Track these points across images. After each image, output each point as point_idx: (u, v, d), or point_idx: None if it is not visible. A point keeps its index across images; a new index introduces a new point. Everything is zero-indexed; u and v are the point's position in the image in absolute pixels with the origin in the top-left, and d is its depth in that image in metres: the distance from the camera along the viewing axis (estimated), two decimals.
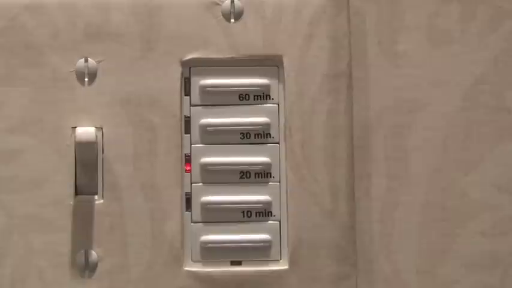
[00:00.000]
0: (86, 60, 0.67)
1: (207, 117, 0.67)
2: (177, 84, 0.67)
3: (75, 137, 0.65)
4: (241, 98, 0.68)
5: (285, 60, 0.67)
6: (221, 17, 0.68)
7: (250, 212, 0.67)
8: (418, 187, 0.68)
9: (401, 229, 0.67)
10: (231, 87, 0.67)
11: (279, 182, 0.67)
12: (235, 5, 0.67)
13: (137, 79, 0.67)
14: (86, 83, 0.67)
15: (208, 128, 0.67)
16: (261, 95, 0.68)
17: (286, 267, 0.66)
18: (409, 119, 0.68)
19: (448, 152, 0.68)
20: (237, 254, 0.66)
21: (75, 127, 0.66)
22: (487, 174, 0.68)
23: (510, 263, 0.67)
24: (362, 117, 0.68)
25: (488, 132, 0.68)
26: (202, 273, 0.66)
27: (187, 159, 0.67)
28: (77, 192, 0.66)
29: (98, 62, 0.67)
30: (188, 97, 0.67)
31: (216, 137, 0.67)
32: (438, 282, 0.67)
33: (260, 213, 0.67)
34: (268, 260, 0.66)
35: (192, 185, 0.67)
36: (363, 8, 0.69)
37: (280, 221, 0.67)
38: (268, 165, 0.67)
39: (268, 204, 0.67)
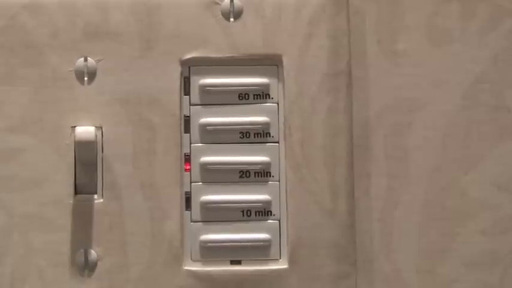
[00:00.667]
0: (86, 60, 0.67)
1: (207, 116, 0.67)
2: (176, 83, 0.67)
3: (74, 136, 0.65)
4: (240, 98, 0.68)
5: (285, 60, 0.67)
6: (220, 16, 0.68)
7: (250, 211, 0.67)
8: (418, 186, 0.68)
9: (401, 228, 0.67)
10: (231, 86, 0.67)
11: (279, 181, 0.67)
12: (234, 4, 0.67)
13: (136, 78, 0.67)
14: (86, 82, 0.67)
15: (207, 128, 0.67)
16: (261, 94, 0.68)
17: (285, 266, 0.66)
18: (409, 118, 0.68)
19: (448, 151, 0.68)
20: (236, 253, 0.66)
21: (75, 126, 0.66)
22: (487, 173, 0.68)
23: (510, 262, 0.67)
24: (362, 116, 0.68)
25: (488, 131, 0.68)
26: (202, 272, 0.66)
27: (187, 159, 0.67)
28: (76, 192, 0.66)
29: (98, 61, 0.67)
30: (188, 96, 0.67)
31: (216, 136, 0.67)
32: (438, 281, 0.67)
33: (260, 213, 0.67)
34: (267, 259, 0.66)
35: (192, 184, 0.67)
36: (363, 7, 0.69)
37: (279, 220, 0.67)
38: (267, 164, 0.67)
39: (267, 203, 0.67)
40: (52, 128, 0.66)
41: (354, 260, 0.66)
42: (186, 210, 0.67)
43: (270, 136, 0.67)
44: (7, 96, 0.66)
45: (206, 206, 0.67)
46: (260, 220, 0.67)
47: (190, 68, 0.68)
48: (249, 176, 0.67)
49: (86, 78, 0.67)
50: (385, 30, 0.69)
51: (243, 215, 0.67)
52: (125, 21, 0.67)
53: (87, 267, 0.66)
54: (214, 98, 0.67)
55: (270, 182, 0.67)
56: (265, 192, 0.67)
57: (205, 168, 0.67)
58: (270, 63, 0.68)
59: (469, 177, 0.68)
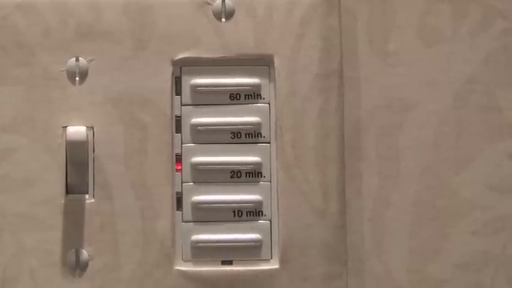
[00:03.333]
0: (77, 60, 0.67)
1: (198, 116, 0.67)
2: (168, 83, 0.67)
3: (66, 136, 0.65)
4: (232, 98, 0.68)
5: (276, 60, 0.67)
6: (212, 16, 0.68)
7: (241, 211, 0.67)
8: (409, 186, 0.68)
9: (392, 228, 0.67)
10: (222, 86, 0.67)
11: (270, 181, 0.67)
12: (226, 4, 0.67)
13: (128, 78, 0.67)
14: (77, 82, 0.67)
15: (199, 128, 0.67)
16: (252, 95, 0.68)
17: (277, 266, 0.66)
18: (400, 118, 0.68)
19: (439, 151, 0.68)
20: (227, 253, 0.66)
21: (66, 126, 0.66)
22: (478, 173, 0.68)
23: (501, 263, 0.67)
24: (353, 116, 0.68)
25: (479, 131, 0.68)
26: (193, 272, 0.66)
27: (178, 159, 0.67)
28: (68, 191, 0.66)
29: (89, 61, 0.67)
30: (179, 96, 0.68)
31: (207, 136, 0.67)
32: (429, 281, 0.67)
33: (251, 213, 0.67)
34: (259, 260, 0.66)
35: (183, 184, 0.67)
36: (354, 7, 0.68)
37: (271, 221, 0.67)
38: (259, 164, 0.67)
39: (259, 203, 0.67)
40: (43, 127, 0.66)
41: (345, 260, 0.66)
42: (177, 210, 0.67)
43: (261, 136, 0.67)
44: None
45: (197, 206, 0.67)
46: (251, 220, 0.67)
47: (181, 68, 0.68)
48: (240, 176, 0.67)
49: (77, 78, 0.67)
50: (376, 30, 0.69)
51: (234, 215, 0.67)
52: (117, 21, 0.67)
53: (78, 267, 0.66)
54: (206, 98, 0.67)
55: (261, 182, 0.67)
56: (257, 192, 0.67)
57: (197, 168, 0.67)
58: (261, 63, 0.68)
59: (460, 177, 0.68)
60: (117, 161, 0.66)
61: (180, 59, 0.67)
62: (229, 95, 0.68)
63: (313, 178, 0.66)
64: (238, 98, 0.68)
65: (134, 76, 0.67)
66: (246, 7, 0.67)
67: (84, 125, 0.66)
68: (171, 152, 0.67)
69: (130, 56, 0.67)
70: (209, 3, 0.68)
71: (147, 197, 0.66)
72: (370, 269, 0.67)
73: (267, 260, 0.66)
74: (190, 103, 0.67)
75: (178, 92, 0.67)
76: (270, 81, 0.68)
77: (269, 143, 0.67)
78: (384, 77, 0.68)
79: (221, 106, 0.67)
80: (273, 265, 0.66)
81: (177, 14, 0.67)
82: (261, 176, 0.67)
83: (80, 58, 0.67)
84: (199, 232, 0.66)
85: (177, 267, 0.66)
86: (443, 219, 0.67)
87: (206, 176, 0.67)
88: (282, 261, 0.66)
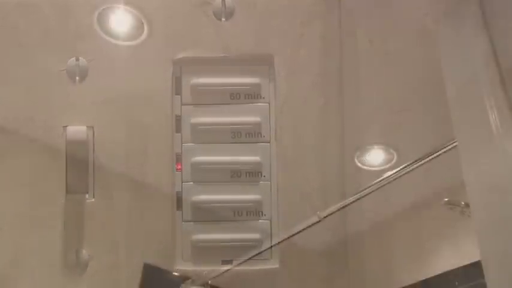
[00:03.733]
0: (77, 59, 0.67)
1: (198, 116, 0.67)
2: (168, 83, 0.67)
3: (66, 135, 0.65)
4: (232, 97, 0.68)
5: (276, 60, 0.67)
6: (212, 16, 0.68)
7: (241, 211, 0.67)
8: (409, 186, 0.67)
9: (393, 228, 0.67)
10: (222, 86, 0.67)
11: (270, 181, 0.67)
12: (226, 4, 0.67)
13: (128, 78, 0.67)
14: (77, 81, 0.67)
15: (199, 127, 0.67)
16: (252, 94, 0.68)
17: (276, 266, 0.66)
18: (400, 118, 0.68)
19: (439, 151, 0.68)
20: (227, 253, 0.66)
21: (67, 126, 0.66)
22: (478, 173, 0.68)
23: (502, 264, 0.67)
24: (353, 116, 0.68)
25: (479, 131, 0.68)
26: (193, 272, 0.66)
27: (178, 158, 0.67)
28: (68, 191, 0.66)
29: (89, 61, 0.67)
30: (179, 96, 0.68)
31: (207, 136, 0.67)
32: (429, 281, 0.67)
33: (251, 213, 0.67)
34: (258, 259, 0.66)
35: (183, 184, 0.67)
36: (354, 7, 0.68)
37: (270, 220, 0.67)
38: (259, 164, 0.67)
39: (259, 203, 0.67)
40: (43, 127, 0.66)
41: (345, 260, 0.66)
42: (178, 210, 0.67)
43: (261, 136, 0.67)
44: None
45: (197, 206, 0.67)
46: (251, 220, 0.67)
47: (181, 68, 0.68)
48: (240, 176, 0.67)
49: (77, 78, 0.67)
50: (376, 30, 0.69)
51: (234, 215, 0.67)
52: (117, 22, 0.67)
53: (78, 267, 0.66)
54: (206, 98, 0.68)
55: (261, 182, 0.67)
56: (257, 192, 0.67)
57: (197, 168, 0.67)
58: (261, 63, 0.68)
59: (460, 177, 0.68)
60: (117, 161, 0.66)
61: (180, 59, 0.67)
62: (229, 95, 0.68)
63: (312, 178, 0.66)
64: (238, 97, 0.68)
65: (134, 76, 0.67)
66: (246, 7, 0.67)
67: (84, 125, 0.66)
68: (171, 152, 0.67)
69: (131, 56, 0.67)
70: (209, 3, 0.68)
71: (147, 196, 0.66)
72: (370, 269, 0.67)
73: (266, 260, 0.66)
74: (190, 103, 0.67)
75: (178, 91, 0.67)
76: (270, 81, 0.68)
77: (269, 142, 0.67)
78: (384, 77, 0.68)
79: (221, 106, 0.67)
80: (273, 265, 0.66)
81: (177, 14, 0.67)
82: (261, 176, 0.67)
83: (80, 58, 0.67)
84: (199, 232, 0.66)
85: (177, 267, 0.66)
86: (443, 219, 0.67)
87: (206, 175, 0.67)
88: (282, 261, 0.66)
